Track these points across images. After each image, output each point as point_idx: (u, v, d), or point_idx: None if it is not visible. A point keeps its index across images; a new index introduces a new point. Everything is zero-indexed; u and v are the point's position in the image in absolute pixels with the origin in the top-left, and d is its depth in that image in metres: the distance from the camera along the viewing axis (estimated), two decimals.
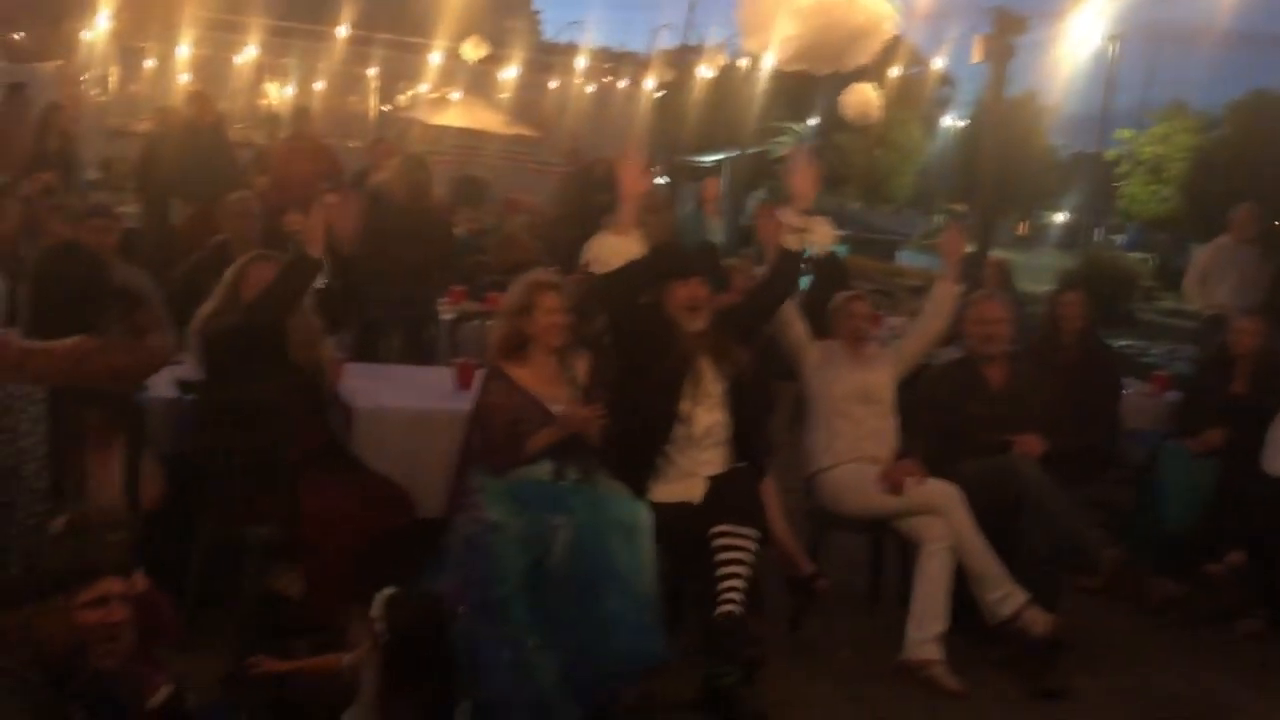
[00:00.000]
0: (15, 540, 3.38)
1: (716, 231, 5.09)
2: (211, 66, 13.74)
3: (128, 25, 12.38)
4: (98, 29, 12.41)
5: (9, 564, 3.34)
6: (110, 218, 5.45)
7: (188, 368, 4.16)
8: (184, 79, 13.13)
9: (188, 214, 8.11)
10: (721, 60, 15.52)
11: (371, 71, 15.48)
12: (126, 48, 13.60)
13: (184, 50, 13.21)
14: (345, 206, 4.15)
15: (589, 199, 8.11)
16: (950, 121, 26.61)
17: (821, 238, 4.37)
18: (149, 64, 14.17)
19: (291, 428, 3.94)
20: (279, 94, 15.15)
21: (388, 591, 3.18)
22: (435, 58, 14.60)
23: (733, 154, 20.60)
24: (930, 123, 25.21)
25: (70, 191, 7.77)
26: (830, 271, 6.28)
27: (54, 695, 2.40)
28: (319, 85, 15.07)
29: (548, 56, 17.07)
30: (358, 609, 3.25)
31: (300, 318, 4.09)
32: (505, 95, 15.63)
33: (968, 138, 23.95)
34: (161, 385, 4.03)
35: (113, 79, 14.26)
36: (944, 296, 4.85)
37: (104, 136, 10.65)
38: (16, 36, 13.43)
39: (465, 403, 4.21)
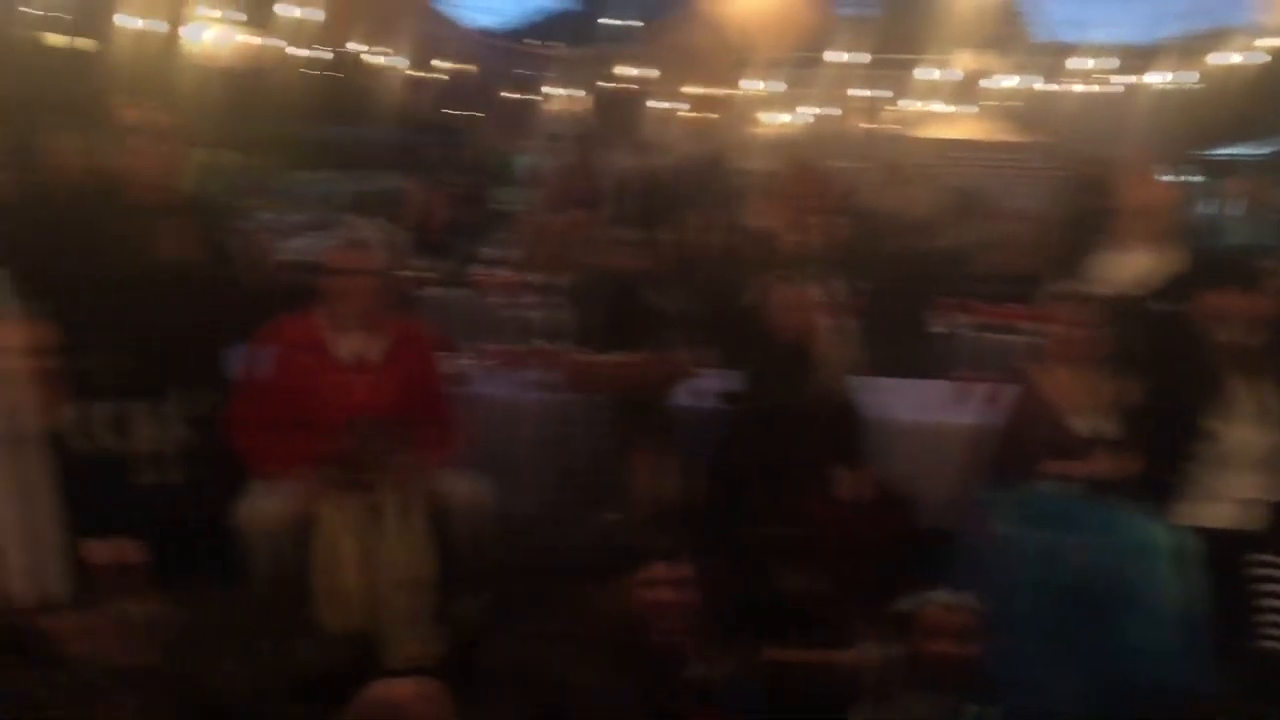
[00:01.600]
0: (569, 530, 3.90)
1: (1244, 232, 4.70)
2: (710, 99, 14.61)
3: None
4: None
5: (567, 551, 3.85)
6: (636, 246, 6.03)
7: (717, 380, 4.51)
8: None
9: (673, 240, 8.76)
10: (1249, 43, 13.98)
11: (860, 92, 15.71)
12: None
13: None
14: None
15: (1082, 204, 7.80)
16: None
17: None
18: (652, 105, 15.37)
19: (814, 438, 4.16)
20: (774, 121, 15.81)
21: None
22: (922, 73, 14.58)
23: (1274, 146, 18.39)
24: None
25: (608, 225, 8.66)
26: None
27: (614, 661, 2.75)
28: (812, 109, 15.53)
29: (1041, 58, 16.31)
30: (863, 610, 3.36)
31: (825, 348, 4.33)
32: (994, 103, 15.19)
33: None
34: (688, 395, 4.43)
35: None
36: None
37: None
38: None
39: (964, 416, 4.28)
